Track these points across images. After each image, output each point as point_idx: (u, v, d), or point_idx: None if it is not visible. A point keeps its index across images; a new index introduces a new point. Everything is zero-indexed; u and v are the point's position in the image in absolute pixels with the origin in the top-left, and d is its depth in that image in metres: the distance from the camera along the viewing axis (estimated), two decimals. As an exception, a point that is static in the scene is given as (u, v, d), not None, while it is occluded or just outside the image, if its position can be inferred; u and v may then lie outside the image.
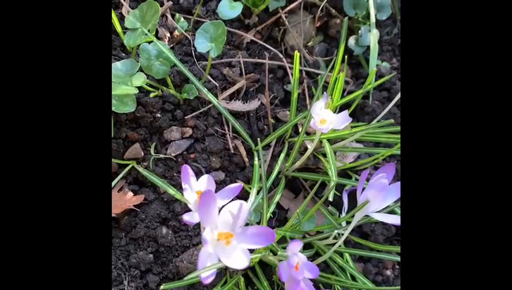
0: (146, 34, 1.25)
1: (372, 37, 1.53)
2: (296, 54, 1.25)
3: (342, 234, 1.14)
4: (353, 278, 1.27)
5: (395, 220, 1.00)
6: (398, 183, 1.01)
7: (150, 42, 1.27)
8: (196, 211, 0.94)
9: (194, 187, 0.99)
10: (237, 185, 1.01)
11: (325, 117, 1.15)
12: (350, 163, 1.40)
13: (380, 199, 1.01)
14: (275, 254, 1.16)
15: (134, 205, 1.26)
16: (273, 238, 0.88)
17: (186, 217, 0.89)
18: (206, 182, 1.00)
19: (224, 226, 0.89)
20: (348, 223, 1.30)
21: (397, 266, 1.45)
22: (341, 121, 1.16)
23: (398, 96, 1.37)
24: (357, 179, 1.41)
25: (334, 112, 1.39)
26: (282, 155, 1.36)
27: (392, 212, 1.12)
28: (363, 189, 1.04)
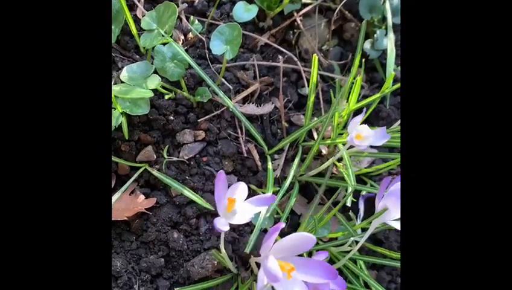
0: (162, 36, 1.24)
1: (389, 42, 1.51)
2: (315, 57, 1.23)
3: (357, 241, 1.12)
4: (366, 285, 1.25)
5: None
6: None
7: (164, 44, 1.26)
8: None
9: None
10: (270, 196, 1.00)
11: (361, 132, 1.13)
12: (365, 168, 1.38)
13: (399, 207, 0.99)
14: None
15: (145, 209, 1.24)
16: (335, 276, 0.87)
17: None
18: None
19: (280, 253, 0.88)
20: (363, 229, 1.28)
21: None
22: (379, 137, 1.14)
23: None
24: (372, 185, 1.39)
25: (350, 117, 1.38)
26: (297, 160, 1.34)
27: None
28: (383, 196, 1.02)
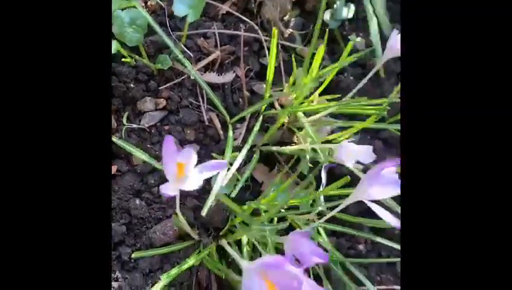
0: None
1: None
2: (274, 30, 1.23)
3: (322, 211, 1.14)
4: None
5: (389, 218, 0.97)
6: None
7: (123, 9, 1.24)
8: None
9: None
10: (222, 162, 0.98)
11: (350, 153, 1.14)
12: (325, 137, 1.41)
13: (382, 192, 0.98)
14: (246, 224, 1.17)
15: (106, 176, 1.24)
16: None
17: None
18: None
19: None
20: (325, 197, 1.31)
21: (369, 241, 1.48)
22: (366, 155, 1.14)
23: (372, 72, 1.37)
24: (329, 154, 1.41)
25: (313, 88, 1.40)
26: (256, 128, 1.35)
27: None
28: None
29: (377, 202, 0.95)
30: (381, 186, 0.93)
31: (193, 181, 0.90)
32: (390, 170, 0.93)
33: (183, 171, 0.90)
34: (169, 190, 0.87)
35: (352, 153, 1.14)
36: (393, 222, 0.90)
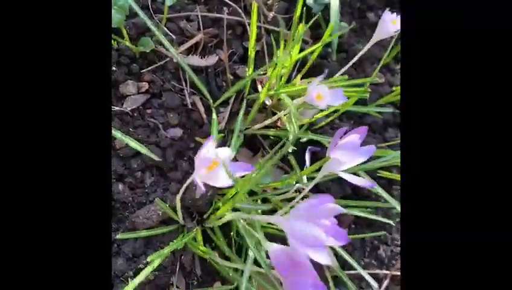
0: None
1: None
2: (254, 4, 1.22)
3: (303, 189, 1.15)
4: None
5: (361, 181, 1.01)
6: (370, 147, 1.02)
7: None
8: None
9: None
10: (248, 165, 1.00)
11: (320, 92, 1.15)
12: (309, 120, 1.41)
13: (350, 159, 1.01)
14: (236, 210, 1.16)
15: (88, 160, 1.22)
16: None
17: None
18: None
19: None
20: (309, 179, 1.31)
21: (353, 225, 1.49)
22: (336, 97, 1.16)
23: (356, 57, 1.38)
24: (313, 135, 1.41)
25: (293, 68, 1.40)
26: (241, 112, 1.34)
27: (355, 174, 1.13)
28: (335, 146, 1.03)
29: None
30: (346, 152, 0.98)
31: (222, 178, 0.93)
32: (354, 138, 0.98)
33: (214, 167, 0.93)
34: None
35: (322, 94, 1.15)
36: (366, 183, 0.97)
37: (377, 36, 1.30)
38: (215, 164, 0.93)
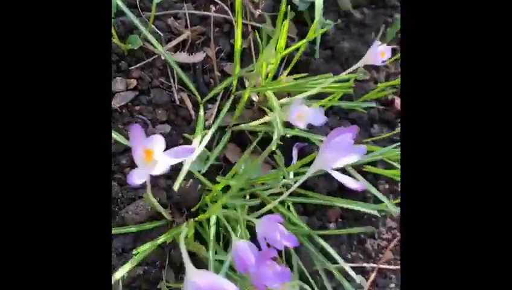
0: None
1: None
2: (238, 1, 1.24)
3: (291, 186, 1.16)
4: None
5: (353, 184, 1.00)
6: (362, 146, 1.02)
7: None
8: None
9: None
10: (189, 147, 1.00)
11: (300, 113, 1.17)
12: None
13: (342, 158, 1.01)
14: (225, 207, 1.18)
15: (78, 157, 1.23)
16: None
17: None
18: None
19: None
20: (295, 175, 1.33)
21: (340, 220, 1.51)
22: (316, 117, 1.19)
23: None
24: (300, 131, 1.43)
25: (280, 65, 1.41)
26: (226, 108, 1.36)
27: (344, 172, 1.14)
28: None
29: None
30: (338, 152, 0.97)
31: (161, 166, 0.91)
32: (346, 136, 0.97)
33: (152, 157, 0.91)
34: (136, 177, 0.87)
35: (303, 114, 1.17)
36: (356, 186, 0.94)
37: (363, 62, 1.31)
38: (149, 153, 0.91)
